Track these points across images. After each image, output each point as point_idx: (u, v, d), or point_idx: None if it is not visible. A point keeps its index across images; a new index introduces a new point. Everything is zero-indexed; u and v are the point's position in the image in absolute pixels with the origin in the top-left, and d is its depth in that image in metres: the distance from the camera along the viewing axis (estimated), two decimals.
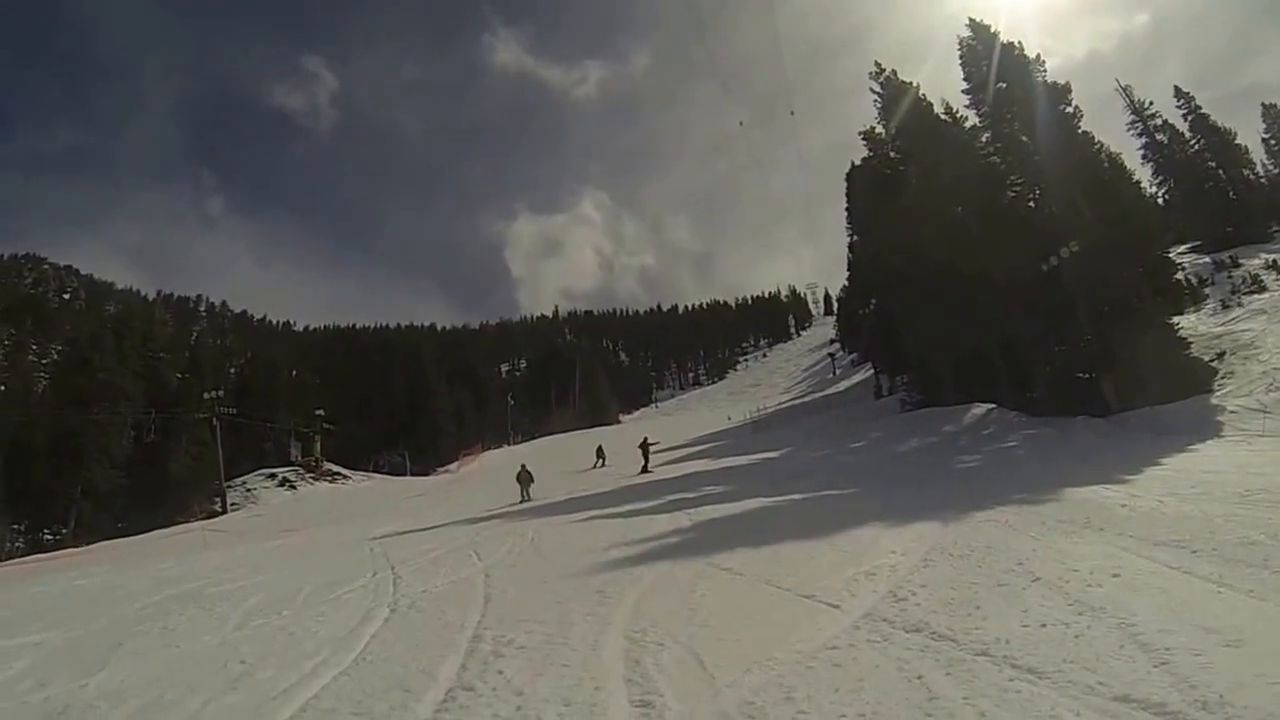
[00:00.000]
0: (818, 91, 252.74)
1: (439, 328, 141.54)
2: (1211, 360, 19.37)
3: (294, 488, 41.85)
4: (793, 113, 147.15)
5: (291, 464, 45.68)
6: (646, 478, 22.89)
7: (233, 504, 38.31)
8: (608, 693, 4.30)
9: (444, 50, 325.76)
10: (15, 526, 36.61)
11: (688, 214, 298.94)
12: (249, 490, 40.80)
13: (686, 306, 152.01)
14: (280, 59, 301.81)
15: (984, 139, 23.85)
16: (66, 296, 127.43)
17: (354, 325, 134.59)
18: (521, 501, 20.20)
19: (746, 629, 5.30)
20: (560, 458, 37.23)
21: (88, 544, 30.31)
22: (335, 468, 46.82)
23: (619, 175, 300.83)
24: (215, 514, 36.59)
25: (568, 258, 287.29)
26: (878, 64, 29.09)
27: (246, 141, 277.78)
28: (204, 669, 5.91)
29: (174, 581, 12.09)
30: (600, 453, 32.69)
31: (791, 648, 4.67)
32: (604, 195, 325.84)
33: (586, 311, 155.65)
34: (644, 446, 26.94)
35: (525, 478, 22.38)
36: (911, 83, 27.90)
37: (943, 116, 25.64)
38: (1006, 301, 20.96)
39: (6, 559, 30.38)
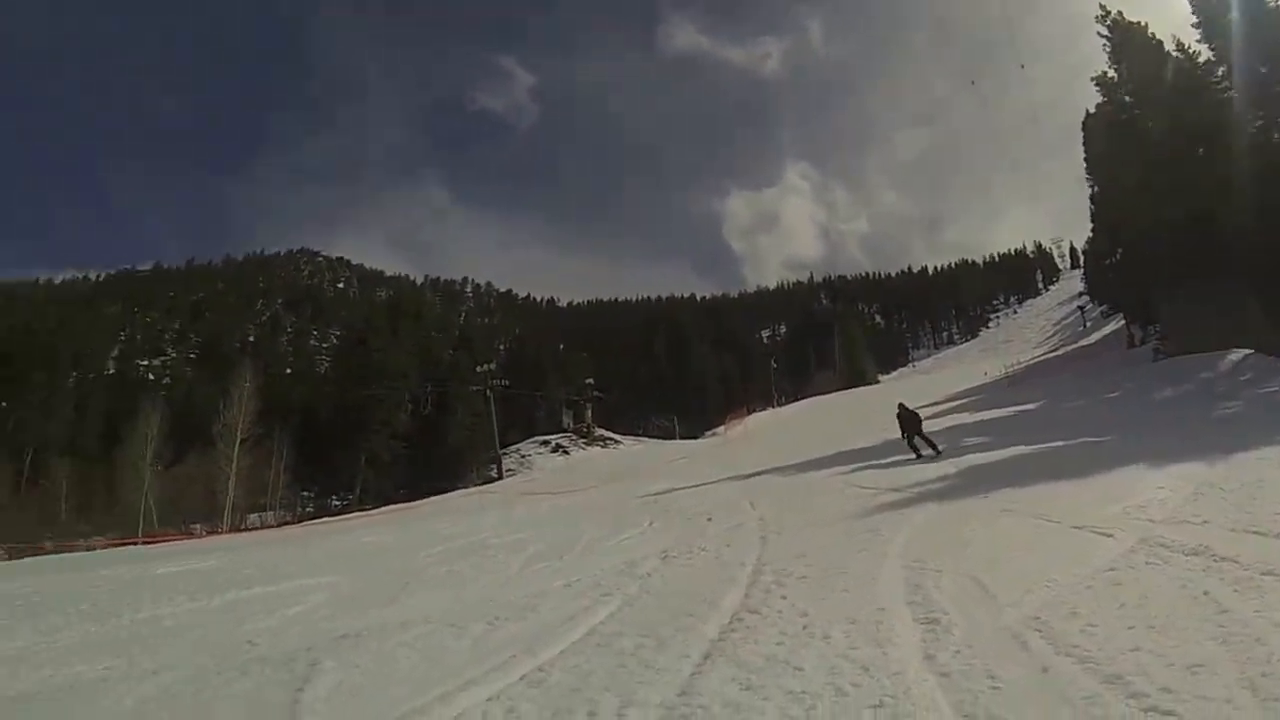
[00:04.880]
0: (1036, 41, 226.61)
1: (698, 297, 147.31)
2: None
3: (566, 453, 44.51)
4: (1023, 66, 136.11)
5: (564, 431, 48.71)
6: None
7: (508, 470, 41.22)
8: (892, 613, 4.48)
9: (624, 40, 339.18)
10: (305, 493, 42.13)
11: (901, 177, 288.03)
12: (523, 456, 43.95)
13: (935, 267, 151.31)
14: (479, 63, 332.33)
15: (1219, 73, 21.69)
16: (340, 285, 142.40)
17: (615, 299, 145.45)
18: None
19: (1021, 557, 5.51)
20: (826, 419, 37.45)
21: (372, 508, 33.68)
22: (606, 433, 49.26)
23: (821, 145, 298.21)
24: (491, 480, 39.41)
25: (784, 230, 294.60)
26: (1102, 5, 26.72)
27: (470, 139, 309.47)
28: (488, 605, 6.26)
29: (456, 537, 13.00)
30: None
31: (1069, 571, 4.82)
32: (806, 165, 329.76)
33: (840, 276, 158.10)
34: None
35: None
36: (1140, 22, 25.74)
37: (1174, 54, 23.55)
38: (1259, 243, 19.07)
39: (297, 522, 34.27)
